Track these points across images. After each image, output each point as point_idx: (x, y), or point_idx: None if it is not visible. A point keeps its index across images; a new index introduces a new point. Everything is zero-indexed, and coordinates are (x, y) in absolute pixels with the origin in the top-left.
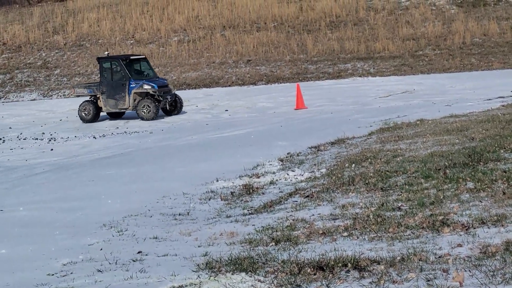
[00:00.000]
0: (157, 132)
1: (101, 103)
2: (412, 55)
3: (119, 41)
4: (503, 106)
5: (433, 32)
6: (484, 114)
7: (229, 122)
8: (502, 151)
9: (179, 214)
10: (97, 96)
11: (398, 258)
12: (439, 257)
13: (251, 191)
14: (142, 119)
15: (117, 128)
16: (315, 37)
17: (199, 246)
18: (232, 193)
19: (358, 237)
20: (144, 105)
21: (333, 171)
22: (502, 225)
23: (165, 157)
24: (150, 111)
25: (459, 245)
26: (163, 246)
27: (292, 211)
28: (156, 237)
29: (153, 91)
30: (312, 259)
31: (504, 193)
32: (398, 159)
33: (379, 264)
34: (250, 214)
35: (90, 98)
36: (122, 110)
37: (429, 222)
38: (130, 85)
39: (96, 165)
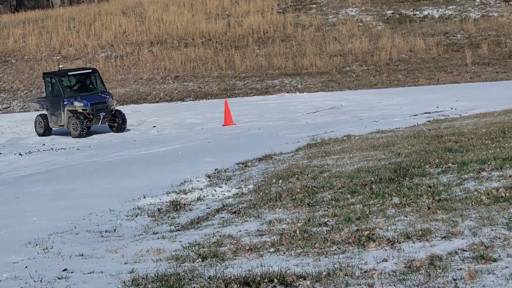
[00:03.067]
0: (84, 149)
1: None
2: (339, 71)
3: (45, 57)
4: (429, 121)
5: (360, 48)
6: (410, 130)
7: (156, 138)
8: (427, 166)
9: (106, 231)
10: (46, 112)
11: (324, 273)
12: (365, 272)
13: (178, 207)
14: (72, 136)
15: (44, 144)
16: (243, 53)
17: (125, 263)
18: (159, 209)
19: (284, 253)
20: (73, 122)
21: (260, 187)
22: (427, 240)
23: (92, 174)
24: (77, 129)
25: (385, 260)
26: (89, 263)
27: (219, 227)
28: (82, 254)
29: (83, 109)
30: (238, 275)
31: (429, 208)
32: (325, 174)
33: (305, 279)
34: (177, 230)
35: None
36: (61, 127)
37: (355, 237)
38: (63, 102)
39: (21, 182)
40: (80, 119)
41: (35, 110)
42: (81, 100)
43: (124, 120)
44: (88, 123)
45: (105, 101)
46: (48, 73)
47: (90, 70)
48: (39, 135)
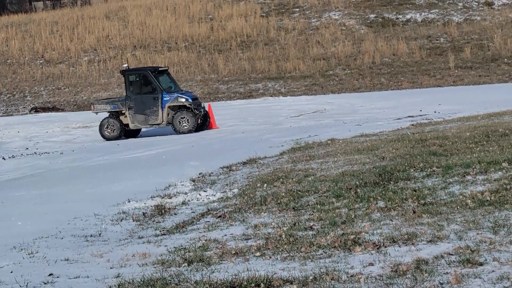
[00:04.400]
0: (68, 153)
1: (126, 119)
2: (322, 74)
3: (28, 61)
4: (412, 125)
5: (343, 52)
6: (394, 134)
7: (140, 142)
8: (412, 170)
9: (91, 236)
10: (122, 111)
11: (311, 277)
12: (351, 276)
13: (163, 211)
14: (179, 133)
15: (27, 149)
16: (226, 57)
17: (111, 268)
18: (144, 213)
19: (270, 257)
20: (184, 117)
21: (245, 191)
22: (413, 244)
23: (76, 178)
24: (189, 124)
25: (371, 264)
26: (74, 268)
27: (204, 232)
28: (67, 259)
29: (188, 104)
30: (225, 279)
31: (414, 212)
32: (310, 178)
33: (291, 283)
34: (162, 234)
35: (110, 114)
36: (154, 126)
37: (340, 241)
38: (164, 98)
39: (5, 187)
40: (192, 113)
41: (99, 112)
42: (183, 96)
43: (207, 118)
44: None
45: (198, 98)
46: (133, 70)
47: (167, 67)
48: (110, 139)
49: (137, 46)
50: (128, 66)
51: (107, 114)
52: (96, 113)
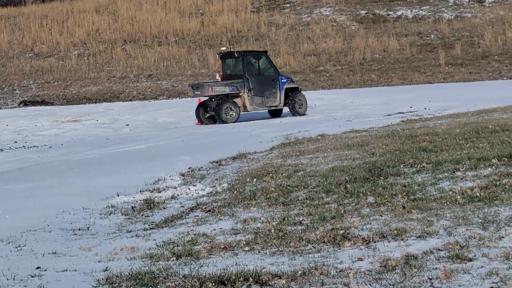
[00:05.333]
0: (57, 147)
1: (244, 102)
2: (313, 70)
3: (17, 54)
4: (402, 121)
5: (334, 48)
6: (384, 130)
7: (130, 136)
8: (402, 166)
9: (79, 229)
10: (240, 94)
11: (300, 272)
12: (340, 271)
13: (152, 205)
14: (298, 115)
15: (16, 142)
16: (217, 52)
17: (99, 261)
18: (133, 207)
19: (259, 252)
20: (300, 100)
21: (234, 185)
22: (402, 239)
23: (65, 172)
24: (303, 107)
25: (360, 259)
26: (62, 262)
27: (193, 226)
28: (55, 252)
29: (299, 87)
30: (213, 273)
31: (403, 207)
32: (299, 173)
33: (280, 278)
34: (151, 229)
35: (226, 97)
36: (272, 108)
37: (330, 236)
38: (281, 80)
39: None
40: (303, 96)
41: (217, 95)
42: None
43: None
44: None
45: None
46: (251, 52)
47: (267, 51)
48: (229, 121)
49: (127, 41)
50: (227, 49)
51: (205, 99)
52: (193, 96)
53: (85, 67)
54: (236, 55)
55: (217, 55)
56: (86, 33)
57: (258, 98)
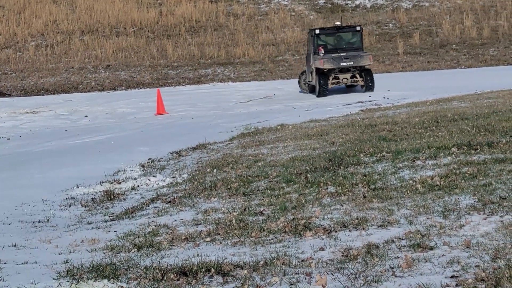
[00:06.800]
0: (15, 139)
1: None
2: (272, 60)
3: None
4: (362, 111)
5: (292, 37)
6: (343, 119)
7: (89, 127)
8: (361, 155)
9: (39, 221)
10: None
11: (261, 262)
12: (302, 261)
13: (112, 197)
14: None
15: None
16: (175, 42)
17: (59, 254)
18: (93, 199)
19: (221, 242)
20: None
21: (194, 176)
22: (363, 228)
23: (24, 164)
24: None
25: (321, 249)
26: (22, 254)
27: (154, 217)
28: (15, 245)
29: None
30: (175, 264)
31: (364, 197)
32: (260, 164)
33: (242, 269)
34: (111, 220)
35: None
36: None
37: (291, 226)
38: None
39: None
40: None
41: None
42: None
43: None
44: None
45: None
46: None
47: None
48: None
49: (85, 31)
50: (341, 23)
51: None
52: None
53: (43, 58)
54: (358, 29)
55: (315, 30)
56: (43, 24)
57: None
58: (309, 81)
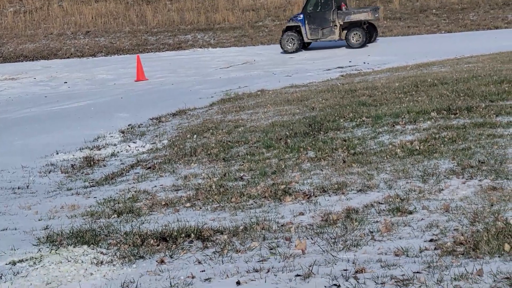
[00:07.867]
0: None
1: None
2: (252, 26)
3: None
4: (342, 76)
5: (272, 2)
6: (323, 84)
7: (68, 94)
8: (341, 120)
9: (18, 188)
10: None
11: (241, 227)
12: (282, 225)
13: (92, 163)
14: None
15: None
16: (155, 8)
17: (39, 220)
18: (72, 165)
19: (201, 208)
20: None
21: (174, 142)
22: (343, 193)
23: (3, 131)
24: None
25: (301, 214)
26: (2, 221)
27: (134, 183)
28: None
29: None
30: (155, 230)
31: (344, 162)
32: (240, 129)
33: (222, 234)
34: (91, 186)
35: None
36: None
37: (271, 191)
38: None
39: None
40: None
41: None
42: None
43: None
44: None
45: None
46: None
47: None
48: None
49: None
50: None
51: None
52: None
53: (22, 24)
54: None
55: None
56: None
57: None
58: (332, 38)
